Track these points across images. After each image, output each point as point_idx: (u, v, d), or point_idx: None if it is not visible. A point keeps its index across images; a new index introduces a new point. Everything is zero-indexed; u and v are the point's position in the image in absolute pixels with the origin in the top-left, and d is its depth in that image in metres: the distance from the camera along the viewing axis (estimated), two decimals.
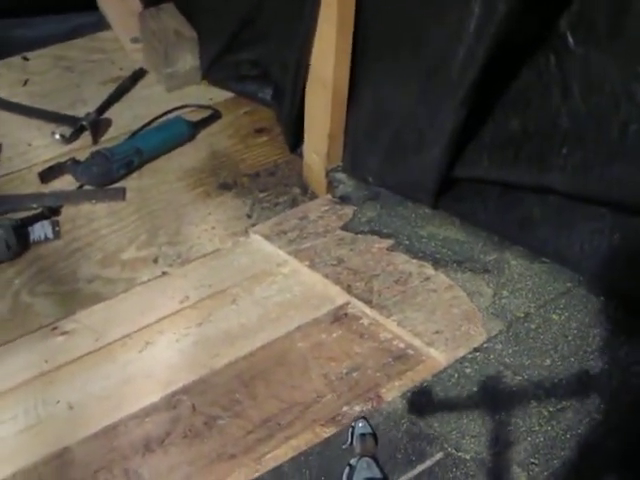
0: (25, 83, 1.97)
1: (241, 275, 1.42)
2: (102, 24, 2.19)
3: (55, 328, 1.36)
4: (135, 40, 2.06)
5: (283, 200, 1.64)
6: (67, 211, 1.63)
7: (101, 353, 1.30)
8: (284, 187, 1.68)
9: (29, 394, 1.24)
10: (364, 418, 0.81)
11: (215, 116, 1.87)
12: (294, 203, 1.63)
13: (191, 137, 1.81)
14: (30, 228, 1.57)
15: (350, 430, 0.80)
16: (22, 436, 1.17)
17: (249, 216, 1.61)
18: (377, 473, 0.70)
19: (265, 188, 1.68)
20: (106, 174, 1.66)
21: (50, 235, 1.56)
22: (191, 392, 1.20)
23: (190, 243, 1.54)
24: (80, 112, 1.84)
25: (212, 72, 1.93)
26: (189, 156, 1.77)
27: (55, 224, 1.58)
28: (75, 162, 1.67)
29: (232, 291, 1.39)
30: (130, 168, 1.70)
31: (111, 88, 1.94)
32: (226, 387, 1.20)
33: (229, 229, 1.57)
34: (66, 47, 2.11)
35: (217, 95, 1.94)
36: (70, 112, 1.86)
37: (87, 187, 1.68)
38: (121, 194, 1.66)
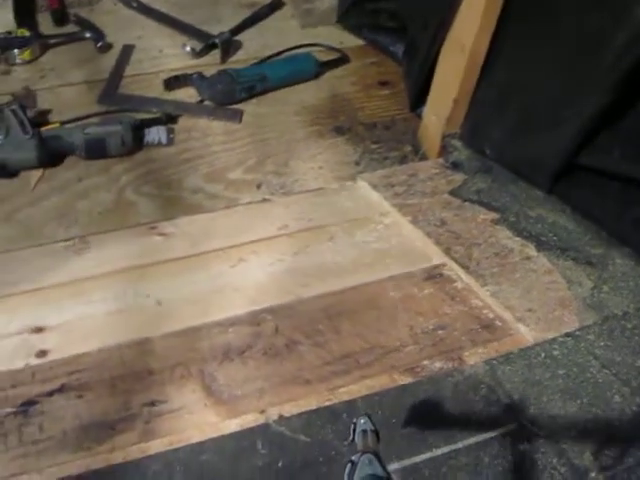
0: None
1: (343, 216, 1.43)
2: None
3: (154, 228, 1.40)
4: None
5: (393, 155, 1.63)
6: (184, 121, 1.67)
7: (195, 260, 1.33)
8: (397, 143, 1.67)
9: (121, 282, 1.28)
10: (367, 415, 0.81)
11: (343, 60, 1.87)
12: (403, 161, 1.62)
13: (316, 76, 1.82)
14: (147, 130, 1.61)
15: (352, 427, 0.80)
16: (109, 318, 1.21)
17: (357, 164, 1.60)
18: (379, 470, 0.70)
19: (378, 140, 1.67)
20: (228, 94, 1.69)
21: (164, 141, 1.60)
22: (276, 314, 1.22)
23: (295, 177, 1.55)
24: (213, 30, 1.87)
25: (348, 16, 1.93)
26: (310, 94, 1.78)
27: (170, 131, 1.62)
28: (201, 76, 1.70)
29: (331, 229, 1.39)
30: (252, 93, 1.72)
31: (247, 13, 1.97)
32: (311, 316, 1.21)
33: (335, 172, 1.57)
34: None
35: (348, 40, 1.94)
36: (204, 28, 1.89)
37: (207, 103, 1.71)
38: (238, 116, 1.68)
